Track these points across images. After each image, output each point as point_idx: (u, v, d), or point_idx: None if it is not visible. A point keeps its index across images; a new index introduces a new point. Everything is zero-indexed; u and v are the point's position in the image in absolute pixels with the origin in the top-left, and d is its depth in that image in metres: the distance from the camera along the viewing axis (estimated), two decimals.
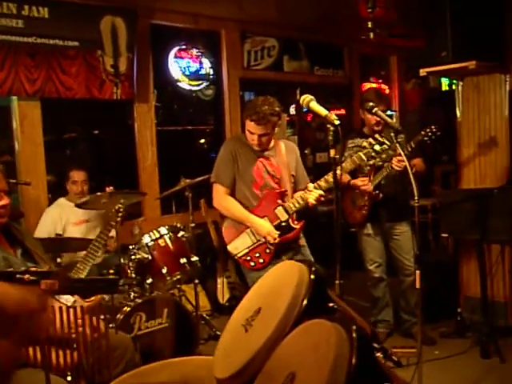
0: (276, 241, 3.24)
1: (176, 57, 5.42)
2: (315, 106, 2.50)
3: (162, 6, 4.96)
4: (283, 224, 3.31)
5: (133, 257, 3.62)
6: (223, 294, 4.85)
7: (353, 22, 6.01)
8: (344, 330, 1.18)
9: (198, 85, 5.60)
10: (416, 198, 2.72)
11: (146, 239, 3.73)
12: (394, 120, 7.05)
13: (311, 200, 3.18)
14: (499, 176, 4.16)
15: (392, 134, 2.99)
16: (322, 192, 3.17)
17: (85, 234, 4.08)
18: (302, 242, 3.45)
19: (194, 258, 3.85)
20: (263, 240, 3.29)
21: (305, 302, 1.34)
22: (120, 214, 3.21)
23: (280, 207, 3.30)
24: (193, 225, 4.20)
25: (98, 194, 3.55)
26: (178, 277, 3.74)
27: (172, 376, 1.65)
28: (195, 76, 5.54)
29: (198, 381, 1.61)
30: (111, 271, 3.66)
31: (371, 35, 5.72)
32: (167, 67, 5.37)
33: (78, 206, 3.68)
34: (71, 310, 1.88)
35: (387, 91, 7.37)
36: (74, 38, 4.37)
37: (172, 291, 3.97)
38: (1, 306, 1.25)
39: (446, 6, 3.90)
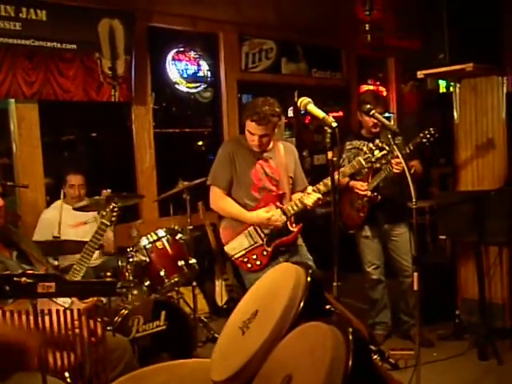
0: (283, 219, 3.23)
1: (174, 59, 5.42)
2: (313, 108, 2.51)
3: (159, 9, 4.97)
4: (281, 227, 3.30)
5: (130, 259, 3.61)
6: (221, 297, 4.85)
7: (350, 24, 6.02)
8: (340, 332, 1.18)
9: (196, 87, 5.61)
10: (414, 199, 2.72)
11: (144, 242, 3.73)
12: (392, 122, 7.06)
13: (309, 203, 3.18)
14: (497, 178, 4.17)
15: (389, 136, 2.99)
16: (320, 196, 3.17)
17: (82, 236, 4.06)
18: (299, 241, 3.45)
19: (192, 261, 3.85)
20: (260, 242, 3.29)
21: (301, 304, 1.34)
22: (115, 214, 3.18)
23: (278, 210, 3.31)
24: (191, 227, 4.20)
25: (96, 197, 3.54)
26: (176, 279, 3.74)
27: (170, 379, 1.65)
28: (193, 78, 5.54)
29: (195, 383, 1.61)
30: (109, 274, 3.65)
31: (368, 38, 5.73)
32: (165, 69, 5.38)
33: (76, 209, 3.68)
34: (68, 312, 1.88)
35: (385, 93, 7.38)
36: (71, 41, 4.37)
37: (170, 294, 3.97)
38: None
39: (443, 8, 3.90)
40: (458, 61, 3.88)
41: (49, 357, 1.89)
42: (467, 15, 3.86)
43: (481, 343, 3.70)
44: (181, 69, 5.46)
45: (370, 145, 3.20)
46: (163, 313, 3.44)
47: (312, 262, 3.38)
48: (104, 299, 2.82)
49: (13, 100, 4.26)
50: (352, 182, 3.93)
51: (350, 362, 1.10)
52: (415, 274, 2.75)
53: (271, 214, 3.25)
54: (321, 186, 3.18)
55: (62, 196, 4.03)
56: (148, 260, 3.69)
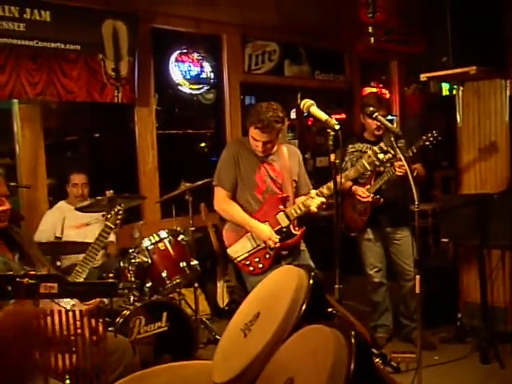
0: (276, 245, 3.24)
1: (177, 61, 5.43)
2: (316, 110, 2.51)
3: (163, 10, 4.97)
4: (284, 230, 3.30)
5: (132, 260, 3.62)
6: (223, 298, 4.84)
7: (353, 26, 6.02)
8: (342, 335, 1.18)
9: (199, 89, 5.61)
10: (416, 202, 2.72)
11: (146, 243, 3.73)
12: (395, 125, 7.06)
13: (313, 207, 3.18)
14: (499, 181, 4.16)
15: (392, 139, 2.99)
16: (323, 199, 3.17)
17: (84, 237, 4.07)
18: (302, 246, 3.45)
19: (194, 262, 3.85)
20: (263, 245, 3.29)
21: (304, 307, 1.34)
22: (119, 217, 3.19)
23: (281, 213, 3.30)
24: (193, 228, 4.20)
25: (98, 197, 3.55)
26: (178, 281, 3.74)
27: (172, 380, 1.65)
28: (196, 80, 5.55)
29: None
30: (111, 275, 3.65)
31: (372, 40, 5.73)
32: (168, 71, 5.38)
33: (79, 209, 3.68)
34: (70, 314, 1.88)
35: (388, 96, 7.38)
36: (75, 42, 4.38)
37: (171, 295, 3.97)
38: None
39: (446, 10, 3.90)
40: (461, 64, 3.89)
41: (50, 358, 1.89)
42: (471, 18, 3.86)
43: (483, 347, 3.69)
44: (184, 70, 5.46)
45: (375, 148, 3.20)
46: (165, 314, 3.45)
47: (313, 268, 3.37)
48: (106, 300, 2.83)
49: (16, 100, 4.26)
50: (354, 188, 3.92)
51: (352, 366, 1.09)
52: (417, 276, 2.74)
53: (272, 233, 3.25)
54: (324, 190, 3.18)
55: (68, 193, 4.04)
56: (150, 261, 3.69)
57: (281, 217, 3.30)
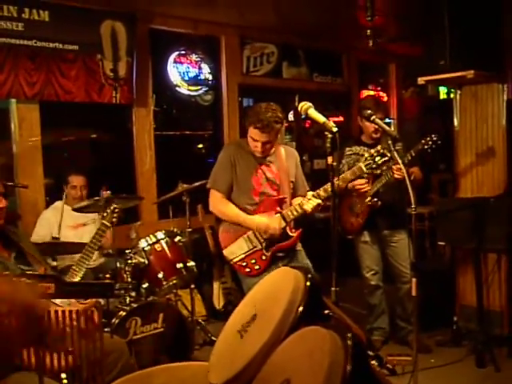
0: (282, 226, 3.23)
1: (175, 62, 5.43)
2: (313, 113, 2.51)
3: (161, 11, 4.98)
4: (279, 234, 3.30)
5: (129, 261, 3.61)
6: (219, 300, 4.84)
7: (352, 29, 6.03)
8: (339, 337, 1.18)
9: (197, 90, 5.62)
10: (413, 205, 2.72)
11: (143, 244, 3.73)
12: (392, 128, 7.07)
13: (307, 208, 3.17)
14: (496, 185, 4.17)
15: (390, 142, 3.00)
16: (320, 201, 3.17)
17: (81, 237, 4.06)
18: (298, 246, 3.45)
19: (191, 263, 3.85)
20: (259, 246, 3.29)
21: (300, 308, 1.34)
22: (115, 215, 3.18)
23: (278, 215, 3.30)
24: (190, 230, 4.20)
25: (95, 198, 3.55)
26: (174, 282, 3.74)
27: (169, 381, 1.65)
28: (194, 81, 5.55)
29: None
30: (107, 275, 3.65)
31: (370, 43, 5.74)
32: (166, 72, 5.38)
33: (76, 210, 3.68)
34: (66, 313, 1.87)
35: (385, 99, 7.39)
36: (73, 42, 4.38)
37: (168, 296, 3.97)
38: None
39: (444, 14, 3.92)
40: (458, 67, 3.90)
41: (46, 358, 1.89)
42: (468, 22, 3.88)
43: (478, 350, 3.70)
44: (182, 71, 5.47)
45: (372, 151, 3.20)
46: (161, 315, 3.44)
47: (311, 267, 3.37)
48: (102, 301, 2.82)
49: (14, 100, 4.26)
50: (350, 184, 3.91)
51: (348, 367, 1.10)
52: (413, 279, 2.75)
53: (270, 220, 3.25)
54: (321, 192, 3.18)
55: (64, 197, 4.04)
56: (146, 262, 3.69)
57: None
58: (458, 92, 4.37)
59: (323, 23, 5.80)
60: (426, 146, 3.67)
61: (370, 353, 1.38)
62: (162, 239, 3.78)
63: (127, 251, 3.68)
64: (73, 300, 2.35)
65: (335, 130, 2.35)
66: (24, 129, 4.32)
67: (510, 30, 4.02)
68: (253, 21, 5.55)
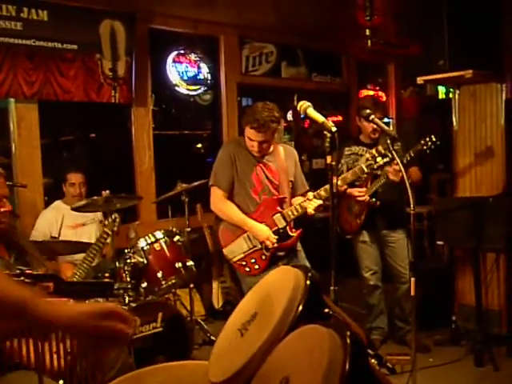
0: (274, 245, 3.24)
1: (174, 61, 5.43)
2: (312, 112, 2.51)
3: (161, 11, 4.98)
4: (280, 231, 3.31)
5: (128, 261, 3.61)
6: (218, 299, 4.84)
7: (351, 29, 6.03)
8: (338, 335, 1.18)
9: (196, 89, 5.61)
10: (412, 205, 2.73)
11: (142, 243, 3.73)
12: (391, 127, 7.08)
13: (310, 210, 3.18)
14: (495, 185, 4.18)
15: (388, 142, 3.00)
16: (321, 202, 3.17)
17: (80, 237, 4.06)
18: (298, 246, 3.45)
19: (190, 263, 3.85)
20: (259, 246, 3.29)
21: (300, 307, 1.34)
22: (116, 224, 3.26)
23: (278, 214, 3.30)
24: (188, 229, 4.20)
25: (94, 197, 3.55)
26: (173, 281, 3.74)
27: (167, 380, 1.65)
28: (193, 81, 5.55)
29: None
30: (106, 275, 3.65)
31: (369, 43, 5.75)
32: (165, 71, 5.38)
33: (74, 209, 3.68)
34: None
35: (384, 98, 7.40)
36: (72, 41, 4.37)
37: (167, 296, 3.97)
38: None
39: (443, 14, 3.93)
40: (457, 67, 3.90)
41: (45, 357, 1.89)
42: (467, 22, 3.88)
43: (477, 349, 3.71)
44: (181, 71, 5.47)
45: (373, 151, 3.20)
46: (160, 314, 3.44)
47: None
48: (101, 300, 2.82)
49: (12, 100, 4.25)
50: (349, 190, 3.92)
51: (348, 365, 1.10)
52: (412, 279, 2.75)
53: (269, 233, 3.25)
54: (322, 192, 3.18)
55: (65, 192, 4.05)
56: (145, 261, 3.69)
57: (278, 218, 3.31)
58: (457, 92, 4.38)
59: (322, 23, 5.80)
60: (425, 147, 3.68)
61: (370, 351, 1.38)
62: (161, 239, 3.78)
63: (126, 251, 3.68)
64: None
65: (334, 129, 2.35)
66: (23, 128, 4.32)
67: (509, 29, 4.03)
68: (252, 21, 5.55)
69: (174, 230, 3.90)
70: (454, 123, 4.43)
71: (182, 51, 5.46)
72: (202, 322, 4.42)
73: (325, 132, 2.38)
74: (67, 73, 4.39)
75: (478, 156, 4.27)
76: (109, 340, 1.34)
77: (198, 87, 5.61)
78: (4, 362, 1.90)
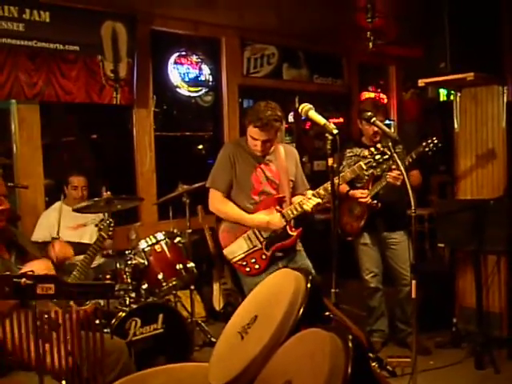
0: (283, 223, 3.23)
1: (176, 63, 5.43)
2: (314, 114, 2.51)
3: (162, 13, 4.98)
4: (280, 231, 3.30)
5: (129, 262, 3.61)
6: (219, 301, 4.84)
7: (352, 31, 6.04)
8: (340, 339, 1.18)
9: (197, 91, 5.62)
10: (413, 207, 2.72)
11: (143, 244, 3.73)
12: (392, 129, 7.07)
13: (307, 207, 3.17)
14: (496, 187, 4.17)
15: (390, 144, 2.99)
16: (320, 200, 3.17)
17: (81, 238, 4.07)
18: (298, 246, 3.45)
19: (190, 264, 3.85)
20: (259, 246, 3.29)
21: (301, 310, 1.34)
22: (111, 228, 3.28)
23: (278, 214, 3.30)
24: (189, 231, 4.20)
25: (96, 199, 3.55)
26: (174, 283, 3.74)
27: (168, 382, 1.65)
28: (194, 82, 5.56)
29: None
30: (107, 276, 3.65)
31: (370, 45, 5.75)
32: (167, 73, 5.39)
33: (76, 210, 3.68)
34: (67, 315, 1.87)
35: (385, 101, 7.40)
36: (74, 43, 4.38)
37: (167, 297, 3.97)
38: None
39: (444, 17, 3.92)
40: (458, 70, 3.90)
41: (46, 358, 1.89)
42: (469, 25, 3.88)
43: (478, 352, 3.70)
44: (182, 72, 5.47)
45: (372, 149, 3.19)
46: (160, 316, 3.45)
47: (311, 267, 3.37)
48: (102, 301, 2.83)
49: (14, 101, 4.26)
50: (351, 192, 3.92)
51: (349, 369, 1.10)
52: (413, 281, 2.75)
53: (271, 217, 3.25)
54: (321, 191, 3.18)
55: (62, 197, 4.05)
56: (146, 263, 3.69)
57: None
58: (458, 94, 4.38)
59: (324, 25, 5.80)
60: (426, 149, 3.67)
61: (371, 354, 1.38)
62: (162, 240, 3.78)
63: (127, 252, 3.68)
64: (73, 304, 2.37)
65: (335, 131, 2.35)
66: (24, 129, 4.32)
67: (510, 32, 4.02)
68: (253, 22, 5.55)
69: (175, 231, 3.89)
70: (456, 125, 4.42)
71: (184, 53, 5.47)
72: (202, 324, 4.42)
73: (326, 134, 2.38)
74: (69, 74, 4.40)
75: (480, 158, 4.27)
76: None
77: (199, 89, 5.61)
78: (5, 363, 1.90)
